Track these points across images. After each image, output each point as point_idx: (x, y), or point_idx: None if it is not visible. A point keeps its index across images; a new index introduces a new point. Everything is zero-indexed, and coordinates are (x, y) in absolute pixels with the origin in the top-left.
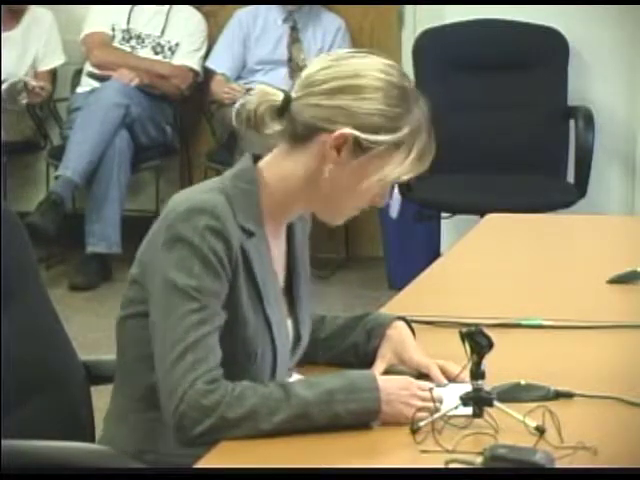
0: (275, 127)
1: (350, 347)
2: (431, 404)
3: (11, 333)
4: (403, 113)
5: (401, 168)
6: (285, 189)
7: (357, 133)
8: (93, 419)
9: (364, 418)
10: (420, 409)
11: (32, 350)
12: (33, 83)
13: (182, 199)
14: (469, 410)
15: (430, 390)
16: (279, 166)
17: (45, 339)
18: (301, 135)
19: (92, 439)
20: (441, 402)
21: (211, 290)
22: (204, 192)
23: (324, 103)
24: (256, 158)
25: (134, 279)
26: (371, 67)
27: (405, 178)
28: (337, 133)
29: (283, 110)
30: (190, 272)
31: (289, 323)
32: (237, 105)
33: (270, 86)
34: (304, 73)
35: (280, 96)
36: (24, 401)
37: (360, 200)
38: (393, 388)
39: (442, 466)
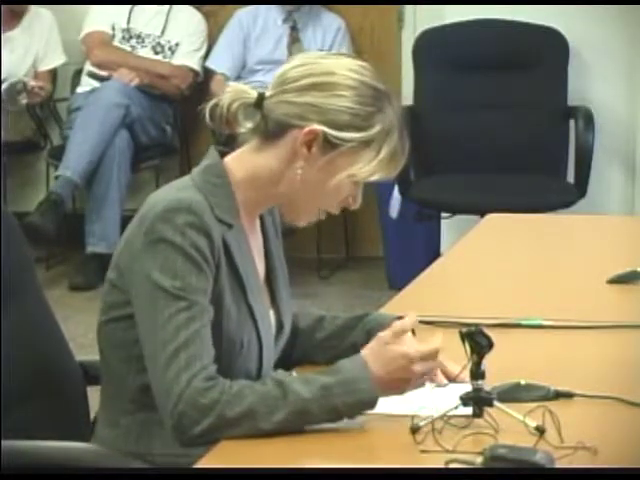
0: (248, 125)
1: (350, 347)
2: (427, 364)
3: (9, 334)
4: (374, 112)
5: (370, 167)
6: (255, 184)
7: (326, 129)
8: (90, 419)
9: (363, 408)
10: (419, 373)
11: (29, 351)
12: (32, 83)
13: (157, 200)
14: (469, 410)
15: (424, 358)
16: (250, 162)
17: (42, 340)
18: (273, 132)
19: (89, 439)
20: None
21: (197, 287)
22: (177, 190)
23: (296, 100)
24: (222, 153)
25: (113, 283)
26: (344, 66)
27: (375, 178)
28: (307, 129)
29: (256, 107)
30: (174, 272)
31: (271, 314)
32: (210, 104)
33: (244, 84)
34: (279, 71)
35: (254, 94)
36: (22, 402)
37: (330, 200)
38: (386, 369)
39: (442, 466)
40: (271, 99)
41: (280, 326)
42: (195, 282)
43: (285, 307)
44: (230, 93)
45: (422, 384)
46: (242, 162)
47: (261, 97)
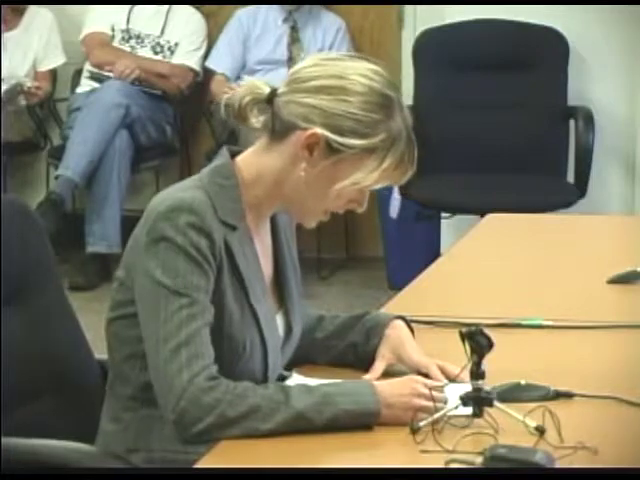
0: (257, 120)
1: (349, 347)
2: (431, 404)
3: (28, 329)
4: (380, 120)
5: (374, 175)
6: (261, 185)
7: (328, 134)
8: None
9: (363, 420)
10: (420, 409)
11: (47, 347)
12: (29, 84)
13: (161, 199)
14: (469, 410)
15: (433, 389)
16: (257, 161)
17: (61, 337)
18: (279, 131)
19: None
20: (446, 402)
21: (198, 286)
22: (182, 190)
23: (303, 101)
24: (234, 153)
25: (121, 282)
26: (356, 71)
27: (379, 186)
28: (309, 132)
29: (267, 103)
30: (176, 271)
31: (280, 317)
32: (225, 96)
33: (260, 80)
34: (293, 69)
35: (267, 90)
36: (37, 398)
37: (333, 204)
38: (392, 392)
39: (442, 466)
40: (281, 97)
41: (289, 329)
42: (196, 281)
43: (295, 310)
44: (244, 87)
45: (430, 413)
46: (250, 161)
47: (273, 93)
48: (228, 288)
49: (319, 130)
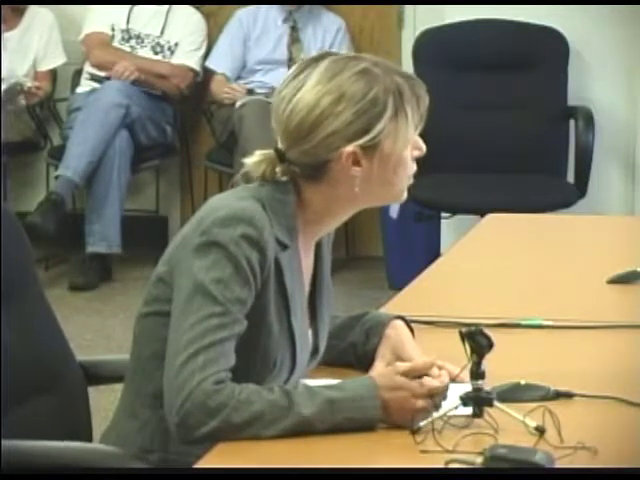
0: (285, 170)
1: (349, 347)
2: (430, 403)
3: (9, 334)
4: (376, 92)
5: (410, 128)
6: (327, 210)
7: (358, 142)
8: (90, 419)
9: (365, 425)
10: (420, 409)
11: (30, 351)
12: (29, 84)
13: (220, 205)
14: (469, 410)
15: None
16: (314, 190)
17: (43, 340)
18: (313, 173)
19: (89, 439)
20: (445, 398)
21: (237, 297)
22: (242, 199)
23: (311, 144)
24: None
25: (161, 277)
26: (316, 89)
27: (421, 127)
28: (344, 157)
29: (282, 162)
30: (220, 276)
31: (309, 334)
32: (241, 172)
33: (257, 154)
34: (276, 124)
35: (272, 153)
36: (22, 401)
37: (408, 169)
38: (390, 395)
39: (442, 466)
40: (289, 152)
41: (315, 349)
42: (237, 292)
43: (324, 331)
44: (251, 163)
45: (429, 416)
46: (309, 186)
47: (280, 153)
48: (271, 304)
49: (350, 147)
